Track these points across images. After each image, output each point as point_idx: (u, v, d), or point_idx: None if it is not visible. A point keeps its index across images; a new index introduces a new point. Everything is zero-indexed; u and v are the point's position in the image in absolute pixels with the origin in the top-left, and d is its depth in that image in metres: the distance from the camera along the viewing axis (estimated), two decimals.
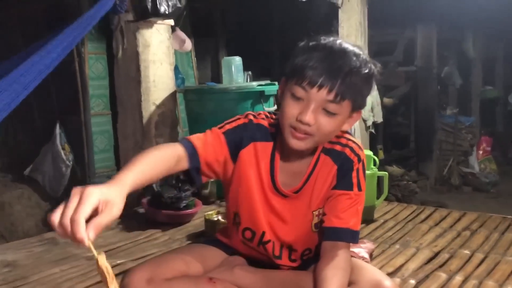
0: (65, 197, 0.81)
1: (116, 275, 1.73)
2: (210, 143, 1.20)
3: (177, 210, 2.27)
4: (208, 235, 2.03)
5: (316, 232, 1.29)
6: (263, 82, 2.74)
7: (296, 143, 1.14)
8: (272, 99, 2.74)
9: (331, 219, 1.24)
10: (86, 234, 0.78)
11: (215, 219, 2.07)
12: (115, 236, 2.16)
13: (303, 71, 1.11)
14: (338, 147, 1.25)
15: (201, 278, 1.29)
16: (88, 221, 0.80)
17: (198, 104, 2.76)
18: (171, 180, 2.45)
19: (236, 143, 1.22)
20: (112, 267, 1.82)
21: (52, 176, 4.43)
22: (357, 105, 1.17)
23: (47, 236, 2.18)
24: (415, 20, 5.93)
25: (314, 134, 1.13)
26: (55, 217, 0.81)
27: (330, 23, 4.32)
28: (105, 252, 1.93)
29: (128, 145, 2.79)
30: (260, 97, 2.61)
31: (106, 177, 4.80)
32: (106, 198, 0.83)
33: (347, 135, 1.28)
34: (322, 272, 1.18)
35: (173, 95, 2.81)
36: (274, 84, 2.73)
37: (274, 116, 1.26)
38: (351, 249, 1.34)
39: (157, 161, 1.08)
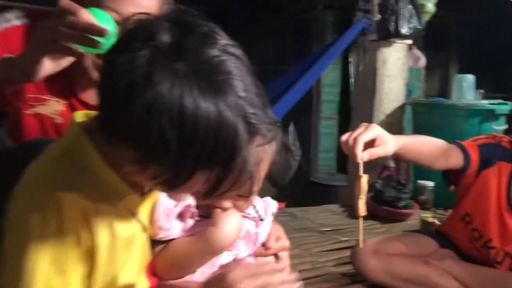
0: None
1: (340, 248, 2.15)
2: (470, 150, 1.48)
3: (396, 208, 2.57)
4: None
5: None
6: (494, 101, 2.80)
7: None
8: (503, 119, 2.78)
9: None
10: (361, 154, 1.12)
11: (431, 221, 2.30)
12: (341, 220, 2.59)
13: None
14: None
15: (417, 259, 1.59)
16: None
17: (425, 117, 2.98)
18: (392, 182, 2.76)
19: (485, 158, 1.45)
20: (339, 241, 2.24)
21: (281, 167, 5.18)
22: None
23: (288, 210, 2.75)
24: None
25: None
26: (344, 136, 1.18)
27: None
28: (335, 230, 2.38)
29: None
30: (489, 115, 2.70)
31: (327, 174, 5.37)
32: (384, 136, 1.16)
33: None
34: None
35: (401, 107, 3.10)
36: (506, 104, 2.77)
37: None
38: None
39: (428, 143, 1.37)
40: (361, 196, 1.16)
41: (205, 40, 0.62)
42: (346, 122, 5.40)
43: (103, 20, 0.72)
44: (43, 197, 0.65)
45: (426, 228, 2.29)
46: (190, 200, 0.87)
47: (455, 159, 1.42)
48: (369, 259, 1.58)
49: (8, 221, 0.68)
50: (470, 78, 2.97)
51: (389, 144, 1.20)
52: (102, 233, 0.70)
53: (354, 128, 3.23)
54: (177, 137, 0.58)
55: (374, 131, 1.18)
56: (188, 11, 0.66)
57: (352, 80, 5.19)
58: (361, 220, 1.17)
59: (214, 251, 0.86)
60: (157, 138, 0.58)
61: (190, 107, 0.57)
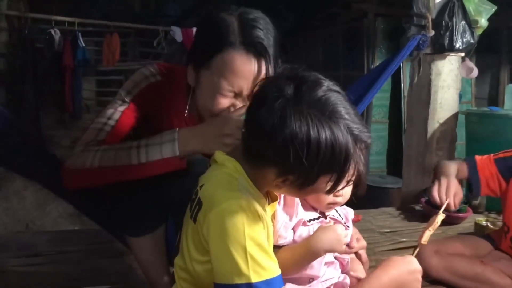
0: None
1: (400, 248, 2.36)
2: (485, 163, 1.76)
3: (450, 212, 2.76)
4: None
5: None
6: None
7: None
8: None
9: None
10: (452, 202, 1.48)
11: (484, 224, 2.49)
12: (399, 223, 2.81)
13: None
14: None
15: (474, 259, 1.81)
16: None
17: (478, 126, 3.15)
18: None
19: (507, 169, 1.74)
20: (398, 242, 2.45)
21: None
22: None
23: None
24: None
25: None
26: (435, 192, 1.58)
27: None
28: (394, 231, 2.60)
29: (411, 153, 3.40)
30: None
31: (378, 177, 5.54)
32: (458, 185, 1.53)
33: None
34: None
35: (455, 116, 3.27)
36: None
37: None
38: None
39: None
40: (430, 229, 1.43)
41: (314, 86, 0.93)
42: (397, 126, 5.56)
43: None
44: (243, 202, 0.93)
45: (480, 231, 2.48)
46: (301, 216, 1.16)
47: (461, 174, 1.76)
48: (431, 258, 1.80)
49: (213, 224, 0.92)
50: None
51: (460, 192, 1.63)
52: (268, 220, 1.00)
53: (409, 135, 3.40)
54: (307, 155, 0.89)
55: (453, 186, 1.61)
56: (296, 67, 0.97)
57: (402, 85, 5.35)
58: (418, 248, 1.44)
59: (309, 257, 1.14)
60: (294, 158, 0.89)
61: (314, 134, 0.89)
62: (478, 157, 1.83)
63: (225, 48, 1.18)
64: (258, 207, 0.95)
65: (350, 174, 1.00)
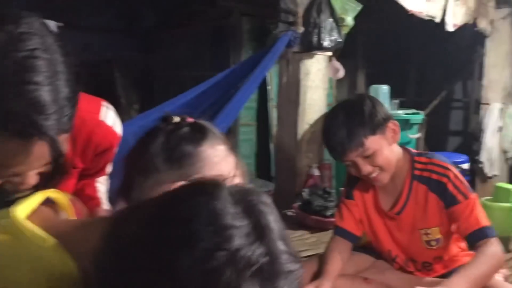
0: None
1: None
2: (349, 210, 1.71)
3: (324, 217, 2.64)
4: None
5: (431, 248, 1.56)
6: (409, 111, 2.99)
7: None
8: (416, 127, 2.99)
9: (465, 229, 1.46)
10: None
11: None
12: None
13: None
14: (426, 174, 1.50)
15: (356, 277, 1.63)
16: None
17: None
18: (318, 190, 2.83)
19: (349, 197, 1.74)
20: None
21: None
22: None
23: None
24: None
25: None
26: None
27: (473, 49, 4.38)
28: None
29: (282, 156, 3.25)
30: (404, 125, 2.88)
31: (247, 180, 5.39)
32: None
33: (434, 160, 1.52)
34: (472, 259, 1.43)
35: (324, 117, 3.20)
36: (419, 113, 2.98)
37: None
38: None
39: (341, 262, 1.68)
40: None
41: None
42: (264, 128, 5.47)
43: None
44: None
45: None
46: None
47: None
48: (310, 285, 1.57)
49: None
50: (385, 88, 3.14)
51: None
52: None
53: (280, 137, 3.24)
54: None
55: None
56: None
57: (269, 87, 5.27)
58: None
59: None
60: None
61: None
62: (338, 220, 1.69)
63: None
64: None
65: None
